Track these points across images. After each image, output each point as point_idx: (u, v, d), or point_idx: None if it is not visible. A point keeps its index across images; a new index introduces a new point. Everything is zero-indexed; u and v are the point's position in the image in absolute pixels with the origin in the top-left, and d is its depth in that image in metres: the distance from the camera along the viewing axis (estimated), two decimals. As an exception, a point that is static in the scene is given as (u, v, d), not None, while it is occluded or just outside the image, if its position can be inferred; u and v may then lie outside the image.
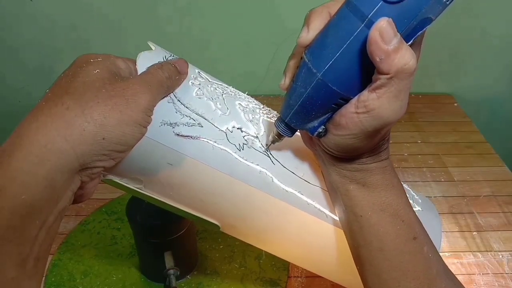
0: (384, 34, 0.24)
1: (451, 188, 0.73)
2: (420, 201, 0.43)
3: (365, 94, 0.27)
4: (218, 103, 0.34)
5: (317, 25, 0.28)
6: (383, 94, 0.26)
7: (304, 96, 0.29)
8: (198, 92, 0.34)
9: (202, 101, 0.33)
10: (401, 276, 0.31)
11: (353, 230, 0.33)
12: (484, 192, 0.72)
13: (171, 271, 0.52)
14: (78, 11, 0.84)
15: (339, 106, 0.29)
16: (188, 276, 0.56)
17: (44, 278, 0.55)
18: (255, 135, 0.35)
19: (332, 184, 0.34)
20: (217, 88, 0.36)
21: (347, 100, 0.28)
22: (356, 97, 0.28)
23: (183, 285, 0.55)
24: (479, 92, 1.00)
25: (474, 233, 0.64)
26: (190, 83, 0.34)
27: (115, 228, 0.62)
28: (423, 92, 0.98)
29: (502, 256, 0.60)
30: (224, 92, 0.36)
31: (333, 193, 0.35)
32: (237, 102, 0.36)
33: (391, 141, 0.91)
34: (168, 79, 0.31)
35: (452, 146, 0.83)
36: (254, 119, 0.36)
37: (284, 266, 0.57)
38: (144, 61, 0.31)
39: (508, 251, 0.61)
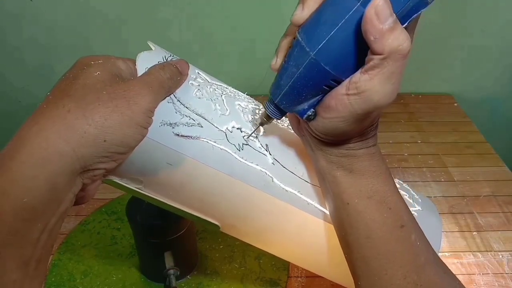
0: (379, 12, 0.24)
1: (451, 188, 0.73)
2: (420, 201, 0.43)
3: (357, 76, 0.26)
4: (217, 104, 0.34)
5: (312, 3, 0.27)
6: (375, 76, 0.26)
7: (295, 76, 0.28)
8: (197, 93, 0.34)
9: (202, 101, 0.33)
10: (388, 264, 0.30)
11: (341, 217, 0.33)
12: (484, 192, 0.72)
13: (171, 271, 0.52)
14: (78, 11, 0.85)
15: (330, 88, 0.28)
16: (188, 276, 0.56)
17: (44, 279, 0.55)
18: (255, 135, 0.35)
19: (320, 171, 0.34)
20: (216, 89, 0.36)
21: (338, 82, 0.28)
22: (348, 79, 0.27)
23: (183, 285, 0.55)
24: (479, 92, 1.00)
25: (474, 233, 0.64)
26: (190, 84, 0.34)
27: (115, 228, 0.62)
28: (423, 92, 0.98)
29: (502, 256, 0.60)
30: (224, 92, 0.36)
31: (321, 181, 0.34)
32: (236, 103, 0.36)
33: (391, 141, 0.91)
34: (169, 80, 0.31)
35: (452, 146, 0.83)
36: (254, 120, 0.36)
37: (284, 266, 0.57)
38: (144, 61, 0.31)
39: (508, 251, 0.61)
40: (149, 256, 0.54)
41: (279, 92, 0.30)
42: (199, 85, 0.34)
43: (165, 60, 0.33)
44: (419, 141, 0.84)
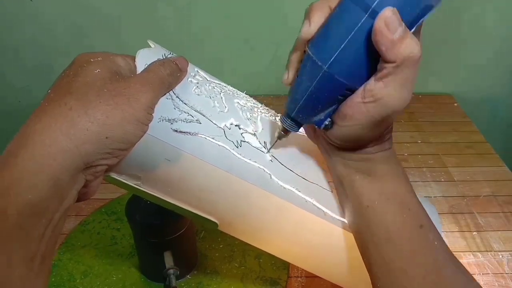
0: (389, 23, 0.25)
1: (451, 188, 0.73)
2: (419, 201, 0.42)
3: (372, 83, 0.27)
4: (216, 101, 0.34)
5: (318, 18, 0.28)
6: (389, 83, 0.26)
7: (310, 90, 0.29)
8: (196, 90, 0.34)
9: (200, 98, 0.33)
10: (409, 264, 0.31)
11: (359, 221, 0.33)
12: (484, 192, 0.72)
13: (171, 271, 0.51)
14: (78, 11, 0.85)
15: (345, 97, 0.29)
16: (188, 276, 0.56)
17: (50, 275, 0.55)
18: (253, 133, 0.35)
19: (338, 177, 0.34)
20: (215, 87, 0.36)
21: (353, 91, 0.28)
22: (362, 87, 0.28)
23: (183, 284, 0.55)
24: (479, 92, 1.00)
25: (474, 233, 0.64)
26: (189, 81, 0.34)
27: (115, 228, 0.62)
28: (423, 92, 0.98)
29: (502, 256, 0.60)
30: (223, 90, 0.36)
31: (340, 187, 0.35)
32: (235, 101, 0.36)
33: (391, 141, 0.89)
34: (169, 76, 0.31)
35: (452, 146, 0.83)
36: (252, 117, 0.36)
37: (284, 265, 0.57)
38: (143, 59, 0.31)
39: (508, 251, 0.61)
40: (149, 256, 0.54)
41: (294, 106, 0.31)
42: (198, 83, 0.34)
43: (164, 58, 0.33)
44: (419, 141, 0.84)
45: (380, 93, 0.27)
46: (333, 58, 0.27)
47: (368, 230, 0.32)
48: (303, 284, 0.56)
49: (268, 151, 0.35)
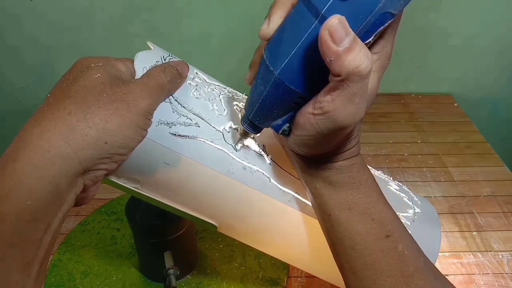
0: (334, 33, 0.22)
1: (451, 188, 0.73)
2: (419, 202, 0.42)
3: (321, 96, 0.26)
4: (215, 104, 0.34)
5: (277, 18, 0.26)
6: (337, 97, 0.25)
7: (264, 94, 0.27)
8: (195, 93, 0.34)
9: (199, 101, 0.33)
10: (375, 274, 0.30)
11: (326, 227, 0.32)
12: (484, 192, 0.72)
13: (171, 271, 0.52)
14: (79, 10, 0.85)
15: (300, 104, 0.27)
16: (188, 276, 0.56)
17: (45, 279, 0.55)
18: (252, 136, 0.35)
19: (302, 182, 0.33)
20: (214, 89, 0.36)
21: (307, 99, 0.27)
22: (314, 98, 0.26)
23: (183, 284, 0.55)
24: (479, 92, 1.00)
25: (474, 233, 0.64)
26: (188, 83, 0.34)
27: (114, 228, 0.62)
28: (423, 92, 0.99)
29: (502, 256, 0.60)
30: (222, 93, 0.36)
31: (306, 191, 0.34)
32: (234, 103, 0.36)
33: (391, 141, 0.91)
34: (169, 82, 0.31)
35: (452, 146, 0.83)
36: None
37: (284, 265, 0.57)
38: (142, 61, 0.31)
39: (508, 251, 0.61)
40: (149, 256, 0.54)
41: (251, 108, 0.29)
42: (196, 85, 0.34)
43: (163, 60, 0.33)
44: (419, 141, 0.84)
45: (328, 107, 0.25)
46: (283, 64, 0.25)
47: (334, 237, 0.32)
48: (303, 284, 0.56)
49: (236, 150, 0.33)
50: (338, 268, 0.33)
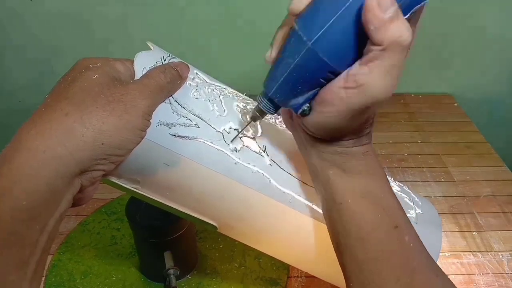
0: (381, 1, 0.23)
1: (451, 188, 0.73)
2: (420, 203, 0.42)
3: (356, 68, 0.25)
4: (215, 104, 0.34)
5: None
6: (374, 68, 0.25)
7: (291, 67, 0.27)
8: (195, 93, 0.34)
9: (199, 102, 0.33)
10: (381, 266, 0.30)
11: (333, 218, 0.32)
12: (484, 192, 0.72)
13: (171, 271, 0.52)
14: (79, 10, 0.85)
15: (327, 81, 0.27)
16: (188, 276, 0.56)
17: (44, 278, 0.55)
18: (252, 137, 0.35)
19: (312, 169, 0.33)
20: (214, 89, 0.36)
21: (336, 75, 0.26)
22: (345, 71, 0.26)
23: (183, 285, 0.55)
24: (479, 92, 0.99)
25: (474, 233, 0.64)
26: (188, 84, 0.34)
27: (114, 228, 0.62)
28: (423, 92, 0.98)
29: (502, 256, 0.60)
30: (222, 93, 0.36)
31: (314, 179, 0.34)
32: (235, 103, 0.36)
33: (391, 141, 0.91)
34: (169, 83, 0.31)
35: (452, 146, 0.83)
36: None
37: (284, 265, 0.57)
38: (142, 62, 0.31)
39: (508, 251, 0.61)
40: (149, 256, 0.54)
41: (273, 84, 0.28)
42: (197, 86, 0.34)
43: (163, 61, 0.33)
44: (419, 141, 0.84)
45: (363, 79, 0.25)
46: (319, 34, 0.25)
47: (341, 227, 0.31)
48: (303, 284, 0.56)
49: (238, 134, 0.33)
50: (339, 262, 0.33)
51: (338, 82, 0.26)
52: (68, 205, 0.27)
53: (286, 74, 0.27)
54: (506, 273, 0.58)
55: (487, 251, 0.61)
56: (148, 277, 0.56)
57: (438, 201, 0.70)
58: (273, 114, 0.31)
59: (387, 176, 0.44)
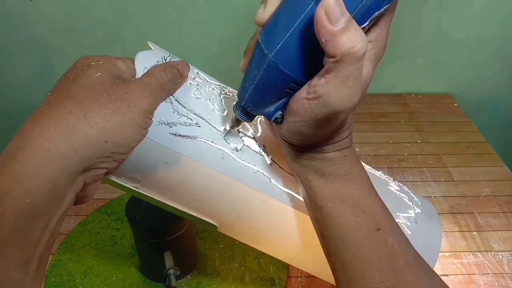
0: (330, 12, 0.22)
1: (451, 188, 0.73)
2: (420, 203, 0.42)
3: (316, 79, 0.25)
4: (215, 104, 0.34)
5: (273, 2, 0.26)
6: (331, 80, 0.24)
7: (257, 79, 0.27)
8: (196, 92, 0.34)
9: (200, 101, 0.33)
10: (365, 267, 0.30)
11: (317, 220, 0.32)
12: (484, 192, 0.72)
13: (171, 271, 0.52)
14: (79, 10, 0.85)
15: (294, 90, 0.27)
16: (188, 276, 0.56)
17: (44, 278, 0.55)
18: (253, 136, 0.35)
19: (293, 173, 0.33)
20: (215, 89, 0.36)
21: (301, 85, 0.26)
22: (308, 82, 0.26)
23: (183, 284, 0.55)
24: (479, 92, 1.00)
25: (474, 233, 0.64)
26: (189, 83, 0.34)
27: (115, 228, 0.62)
28: (423, 92, 0.99)
29: (502, 256, 0.60)
30: (222, 92, 0.36)
31: (297, 183, 0.34)
32: (235, 103, 0.36)
33: (391, 141, 0.91)
34: (170, 82, 0.31)
35: (452, 146, 0.83)
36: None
37: (284, 265, 0.57)
38: (143, 61, 0.31)
39: (508, 251, 0.61)
40: (149, 256, 0.54)
41: (244, 94, 0.29)
42: (197, 85, 0.34)
43: (164, 60, 0.33)
44: (419, 141, 0.84)
45: (321, 90, 0.25)
46: (278, 46, 0.25)
47: (324, 229, 0.31)
48: (303, 284, 0.56)
49: (226, 134, 0.33)
50: (328, 262, 0.33)
51: (302, 93, 0.26)
52: (71, 203, 0.27)
53: (254, 85, 0.27)
54: (506, 273, 0.58)
55: (487, 251, 0.61)
56: (148, 277, 0.56)
57: (438, 201, 0.70)
58: (249, 122, 0.31)
59: (387, 176, 0.44)
